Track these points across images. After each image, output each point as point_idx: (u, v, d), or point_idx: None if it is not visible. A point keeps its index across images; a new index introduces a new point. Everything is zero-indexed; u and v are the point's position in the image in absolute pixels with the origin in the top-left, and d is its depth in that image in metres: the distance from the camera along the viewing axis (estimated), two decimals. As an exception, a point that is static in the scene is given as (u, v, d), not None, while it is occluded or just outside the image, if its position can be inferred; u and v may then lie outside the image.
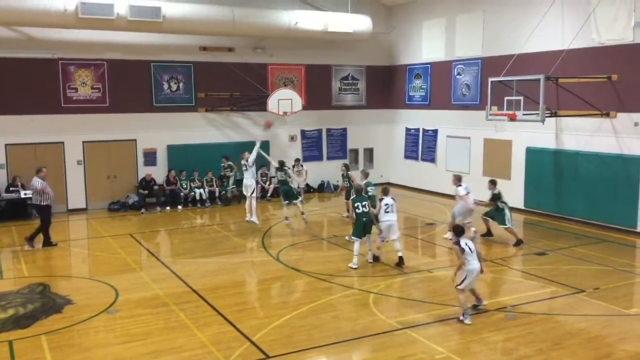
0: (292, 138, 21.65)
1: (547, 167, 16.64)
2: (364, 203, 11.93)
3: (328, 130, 22.29)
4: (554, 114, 14.75)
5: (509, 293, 10.58)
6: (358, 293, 10.40)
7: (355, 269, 11.70)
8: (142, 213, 18.10)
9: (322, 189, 21.93)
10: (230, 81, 19.87)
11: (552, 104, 14.94)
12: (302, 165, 19.78)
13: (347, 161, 20.75)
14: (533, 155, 17.09)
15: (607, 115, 14.82)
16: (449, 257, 12.49)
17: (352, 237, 12.06)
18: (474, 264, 8.96)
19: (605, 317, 9.08)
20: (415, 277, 11.42)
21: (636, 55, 14.21)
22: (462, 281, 8.98)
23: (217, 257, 13.00)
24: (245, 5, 18.81)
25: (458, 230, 9.30)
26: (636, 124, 14.33)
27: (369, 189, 13.90)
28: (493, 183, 14.04)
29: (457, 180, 14.09)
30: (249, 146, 20.39)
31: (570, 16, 15.66)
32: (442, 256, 13.15)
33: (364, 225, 11.85)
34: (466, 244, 9.01)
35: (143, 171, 18.95)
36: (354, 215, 11.96)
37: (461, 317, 8.92)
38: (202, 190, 19.15)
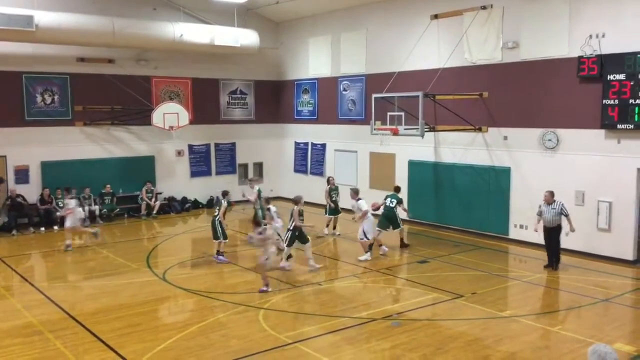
0: (180, 153, 21.09)
1: (427, 179, 17.50)
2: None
3: (217, 144, 21.98)
4: (432, 129, 15.57)
5: (394, 301, 10.94)
6: (248, 309, 10.26)
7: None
8: (14, 235, 16.73)
9: (212, 204, 21.49)
10: (111, 94, 19.02)
11: (431, 119, 15.77)
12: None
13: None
14: (415, 167, 17.91)
15: (480, 129, 15.89)
16: (338, 269, 12.70)
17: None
18: None
19: (483, 320, 9.64)
20: (305, 290, 11.48)
21: (504, 74, 15.40)
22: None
23: (97, 280, 12.29)
24: (126, 15, 18.14)
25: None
26: (505, 138, 15.48)
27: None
28: (397, 190, 15.04)
29: (355, 194, 14.40)
30: (134, 162, 19.72)
31: (445, 37, 16.67)
32: (331, 268, 13.35)
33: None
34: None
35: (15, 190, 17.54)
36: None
37: None
38: (80, 208, 17.97)
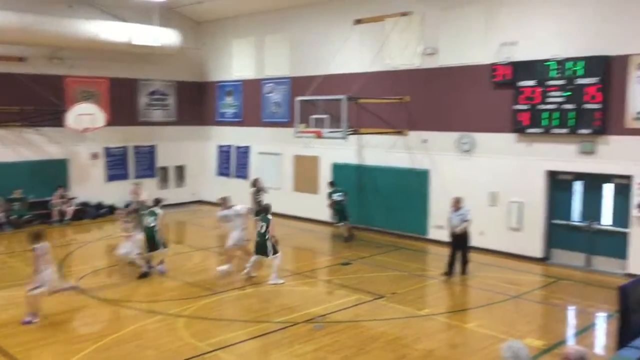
0: (95, 156, 20.20)
1: (351, 182, 17.68)
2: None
3: (135, 147, 21.24)
4: (355, 132, 15.76)
5: (317, 304, 10.95)
6: (167, 318, 9.95)
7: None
8: None
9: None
10: (22, 94, 17.95)
11: (354, 122, 15.96)
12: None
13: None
14: (338, 170, 18.08)
15: (401, 133, 16.25)
16: (261, 273, 12.57)
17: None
18: None
19: (403, 320, 9.84)
20: (228, 296, 11.30)
21: (423, 79, 15.83)
22: None
23: (3, 291, 11.54)
24: (38, 12, 17.20)
25: None
26: (424, 141, 15.91)
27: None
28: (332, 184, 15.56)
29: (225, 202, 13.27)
30: (46, 165, 18.71)
31: (368, 42, 16.93)
32: (254, 272, 13.18)
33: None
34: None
35: None
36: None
37: None
38: None
